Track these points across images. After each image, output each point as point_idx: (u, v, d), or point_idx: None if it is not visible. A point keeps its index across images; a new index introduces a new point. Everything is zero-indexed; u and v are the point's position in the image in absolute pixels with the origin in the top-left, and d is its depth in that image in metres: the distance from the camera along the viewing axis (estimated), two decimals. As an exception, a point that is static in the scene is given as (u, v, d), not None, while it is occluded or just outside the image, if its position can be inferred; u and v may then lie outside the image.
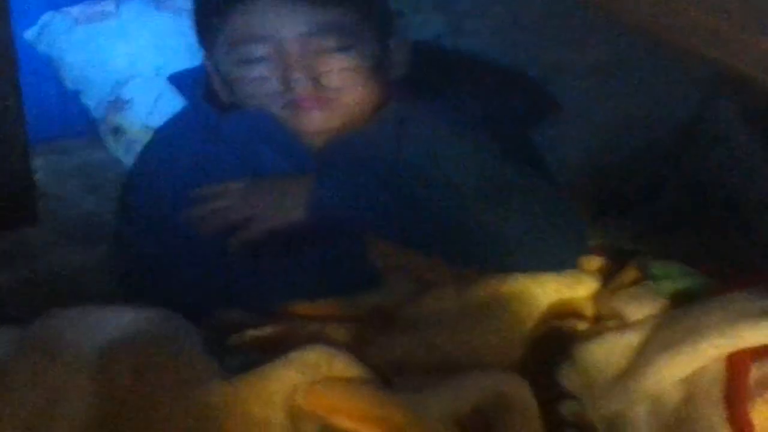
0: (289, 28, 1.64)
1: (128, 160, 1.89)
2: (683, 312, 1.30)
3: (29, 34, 1.95)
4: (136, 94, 1.90)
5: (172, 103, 1.84)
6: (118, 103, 1.90)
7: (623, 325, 1.36)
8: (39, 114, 1.82)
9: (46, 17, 1.98)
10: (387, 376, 1.31)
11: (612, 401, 1.25)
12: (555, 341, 1.40)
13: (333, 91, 1.65)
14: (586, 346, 1.31)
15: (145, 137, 1.86)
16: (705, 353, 1.22)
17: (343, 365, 1.25)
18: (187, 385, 1.20)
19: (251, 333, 1.40)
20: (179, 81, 1.83)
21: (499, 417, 1.24)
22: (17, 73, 1.77)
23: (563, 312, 1.46)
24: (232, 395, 1.19)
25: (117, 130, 1.91)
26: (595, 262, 1.57)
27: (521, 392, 1.25)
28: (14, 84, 1.77)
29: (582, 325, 1.42)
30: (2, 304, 1.61)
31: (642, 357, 1.26)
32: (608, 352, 1.29)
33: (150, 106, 1.88)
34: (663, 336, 1.27)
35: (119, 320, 1.28)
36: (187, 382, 1.20)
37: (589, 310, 1.47)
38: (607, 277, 1.54)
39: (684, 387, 1.22)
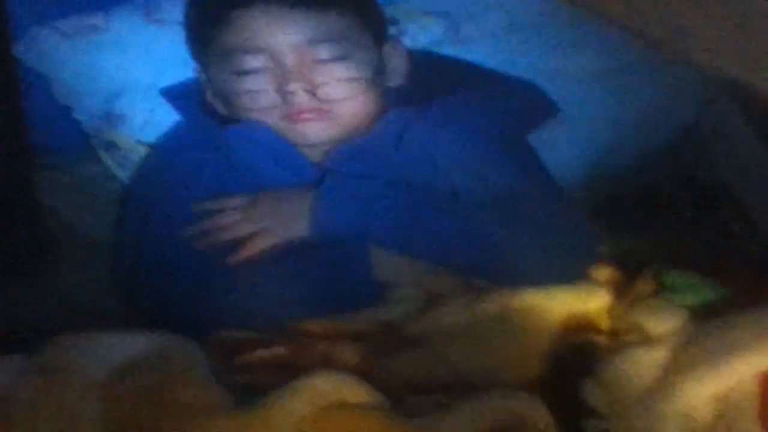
0: (284, 38, 1.60)
1: (123, 174, 1.85)
2: (712, 327, 1.27)
3: (17, 49, 1.90)
4: (129, 108, 1.84)
5: (167, 117, 1.79)
6: (110, 118, 1.85)
7: (646, 340, 1.32)
8: (30, 129, 1.78)
9: (32, 32, 1.92)
10: (398, 396, 1.26)
11: (641, 419, 1.20)
12: (574, 356, 1.35)
13: (330, 102, 1.61)
14: (609, 362, 1.27)
15: (140, 152, 1.82)
16: (739, 371, 1.18)
17: (351, 391, 1.20)
18: (193, 414, 1.16)
19: (259, 354, 1.36)
20: (172, 94, 1.78)
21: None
22: (18, 90, 1.72)
23: (578, 326, 1.41)
24: (239, 426, 1.14)
25: (110, 145, 1.85)
26: (604, 272, 1.53)
27: (538, 412, 1.20)
28: (16, 102, 1.72)
29: (600, 339, 1.38)
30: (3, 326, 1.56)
31: (672, 374, 1.22)
32: (634, 368, 1.25)
33: (143, 120, 1.82)
34: (693, 352, 1.23)
35: (127, 345, 1.25)
36: (194, 410, 1.16)
37: (603, 323, 1.42)
38: (619, 286, 1.50)
39: (716, 404, 1.19)
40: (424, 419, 1.17)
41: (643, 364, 1.25)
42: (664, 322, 1.34)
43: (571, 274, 1.49)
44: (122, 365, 1.21)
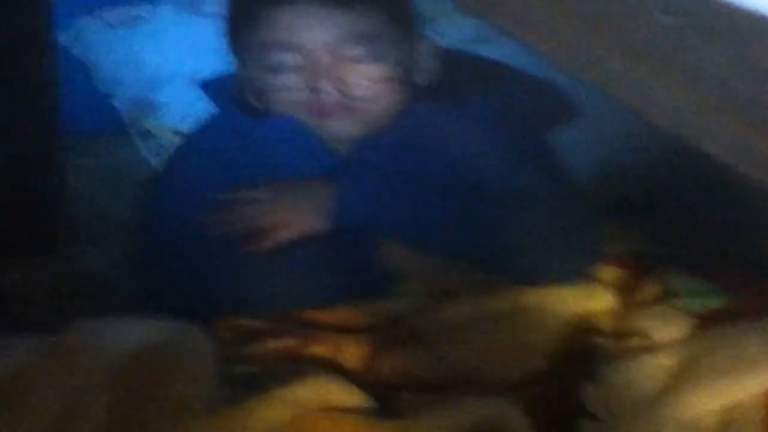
0: (318, 37, 1.61)
1: (157, 162, 1.87)
2: (720, 338, 1.26)
3: (64, 37, 1.94)
4: (167, 98, 1.87)
5: (204, 108, 1.81)
6: (148, 107, 1.88)
7: (652, 346, 1.30)
8: (69, 112, 1.82)
9: (79, 22, 1.96)
10: (396, 392, 1.29)
11: (642, 424, 1.19)
12: (575, 358, 1.35)
13: (360, 100, 1.62)
14: (613, 366, 1.26)
15: (174, 141, 1.85)
16: (749, 387, 1.18)
17: (339, 395, 1.22)
18: (179, 413, 1.18)
19: (269, 345, 1.37)
20: (211, 87, 1.80)
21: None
22: (57, 76, 1.76)
23: (582, 326, 1.41)
24: (216, 429, 1.16)
25: (146, 133, 1.89)
26: (611, 272, 1.52)
27: (516, 421, 1.21)
28: (54, 87, 1.75)
29: (603, 342, 1.36)
30: (24, 304, 1.60)
31: (679, 383, 1.21)
32: (638, 373, 1.24)
33: (181, 110, 1.85)
34: (701, 364, 1.22)
35: (142, 332, 1.26)
36: (182, 408, 1.18)
37: (606, 325, 1.41)
38: (625, 287, 1.49)
39: (722, 416, 1.18)
40: (405, 422, 1.18)
41: (647, 370, 1.24)
42: (669, 329, 1.33)
43: (577, 273, 1.49)
44: (135, 353, 1.22)
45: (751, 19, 0.57)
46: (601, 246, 1.57)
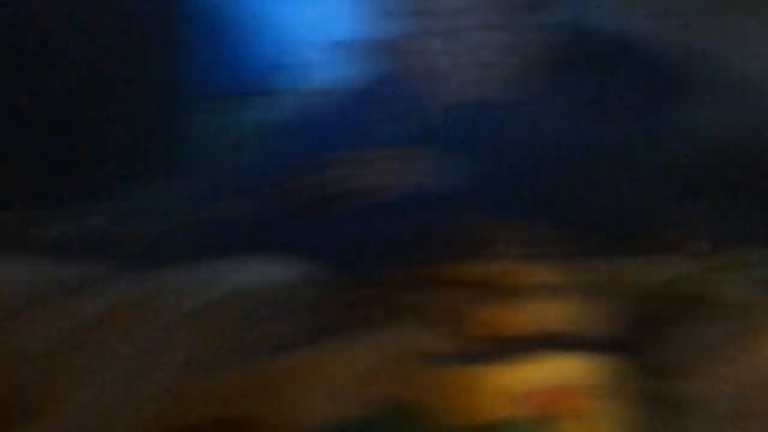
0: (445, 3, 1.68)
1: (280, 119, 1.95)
2: None
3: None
4: (302, 60, 1.96)
5: (334, 70, 1.89)
6: (283, 69, 1.96)
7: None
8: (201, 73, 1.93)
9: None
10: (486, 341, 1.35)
11: None
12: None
13: (475, 66, 1.70)
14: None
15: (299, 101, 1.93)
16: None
17: (423, 343, 1.29)
18: (250, 358, 1.26)
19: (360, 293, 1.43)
20: (337, 49, 1.88)
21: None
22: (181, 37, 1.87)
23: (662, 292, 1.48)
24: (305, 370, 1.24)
25: (275, 92, 1.97)
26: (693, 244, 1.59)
27: None
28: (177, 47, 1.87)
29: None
30: (143, 252, 1.66)
31: None
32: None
33: (313, 72, 1.94)
34: None
35: (249, 272, 1.36)
36: (252, 354, 1.27)
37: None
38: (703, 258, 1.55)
39: None
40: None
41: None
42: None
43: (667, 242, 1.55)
44: (221, 297, 1.31)
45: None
46: (691, 219, 1.62)
